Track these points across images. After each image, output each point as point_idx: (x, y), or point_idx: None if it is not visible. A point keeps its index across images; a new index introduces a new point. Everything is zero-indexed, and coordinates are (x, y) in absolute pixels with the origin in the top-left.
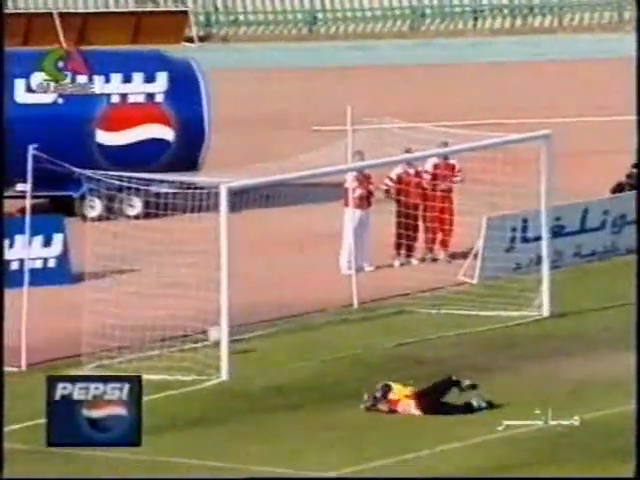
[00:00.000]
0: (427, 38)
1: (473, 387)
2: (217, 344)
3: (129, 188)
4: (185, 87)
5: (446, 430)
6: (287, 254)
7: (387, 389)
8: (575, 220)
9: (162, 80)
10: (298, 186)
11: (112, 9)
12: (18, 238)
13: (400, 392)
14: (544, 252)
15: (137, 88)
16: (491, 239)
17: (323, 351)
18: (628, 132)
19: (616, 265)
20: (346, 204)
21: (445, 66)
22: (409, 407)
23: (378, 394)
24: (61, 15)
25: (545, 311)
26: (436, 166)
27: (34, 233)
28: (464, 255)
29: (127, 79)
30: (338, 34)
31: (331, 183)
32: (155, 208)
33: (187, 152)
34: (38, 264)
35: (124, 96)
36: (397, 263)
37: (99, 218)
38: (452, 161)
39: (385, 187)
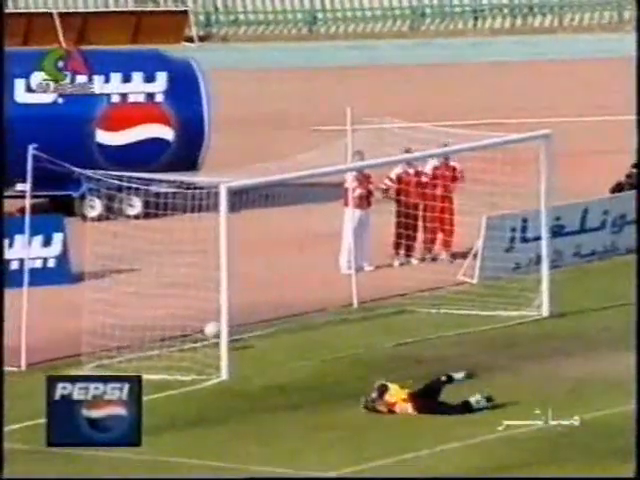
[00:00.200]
0: (427, 38)
1: (469, 377)
2: (213, 339)
3: (129, 188)
4: (185, 87)
5: (446, 430)
6: (287, 254)
7: (384, 389)
8: (575, 220)
9: (162, 80)
10: (298, 186)
11: (112, 9)
12: (18, 238)
13: (397, 395)
14: (544, 252)
15: (137, 88)
16: (491, 239)
17: (323, 351)
18: (628, 132)
19: (616, 265)
20: (346, 204)
21: (445, 66)
22: (406, 410)
23: (375, 394)
24: (61, 15)
25: (545, 311)
26: (436, 169)
27: (34, 233)
28: (464, 255)
29: (127, 79)
30: (338, 34)
31: (331, 183)
32: (155, 208)
33: (187, 152)
34: (38, 264)
35: (124, 96)
36: (396, 263)
37: (99, 218)
38: (453, 163)
39: (383, 186)
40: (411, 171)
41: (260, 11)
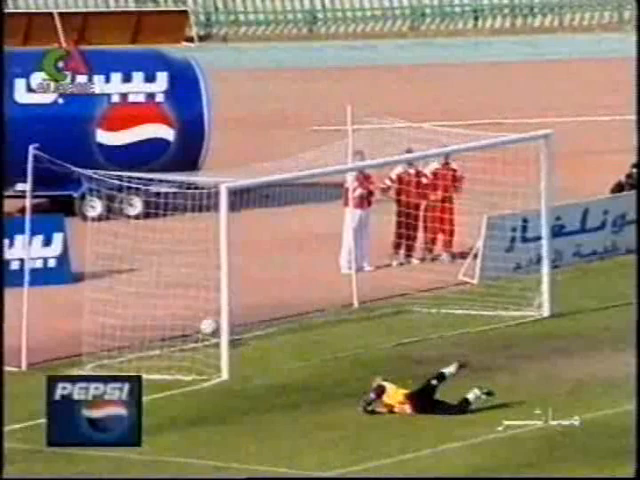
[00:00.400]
0: (427, 38)
1: (462, 366)
2: (213, 338)
3: (129, 188)
4: (185, 87)
5: (446, 430)
6: (287, 254)
7: (381, 390)
8: (575, 220)
9: (162, 80)
10: (298, 186)
11: (112, 9)
12: (18, 238)
13: (394, 396)
14: (544, 252)
15: (137, 88)
16: (491, 239)
17: (323, 351)
18: (628, 132)
19: (616, 265)
20: (346, 204)
21: (445, 66)
22: (405, 411)
23: (372, 395)
24: (61, 15)
25: (545, 311)
26: (435, 173)
27: (34, 233)
28: (464, 255)
29: (127, 79)
30: (338, 34)
31: (331, 183)
32: (155, 208)
33: (187, 152)
34: (38, 264)
35: (124, 96)
36: (395, 263)
37: (99, 218)
38: (453, 165)
39: (383, 186)
40: (412, 171)
41: (260, 11)
